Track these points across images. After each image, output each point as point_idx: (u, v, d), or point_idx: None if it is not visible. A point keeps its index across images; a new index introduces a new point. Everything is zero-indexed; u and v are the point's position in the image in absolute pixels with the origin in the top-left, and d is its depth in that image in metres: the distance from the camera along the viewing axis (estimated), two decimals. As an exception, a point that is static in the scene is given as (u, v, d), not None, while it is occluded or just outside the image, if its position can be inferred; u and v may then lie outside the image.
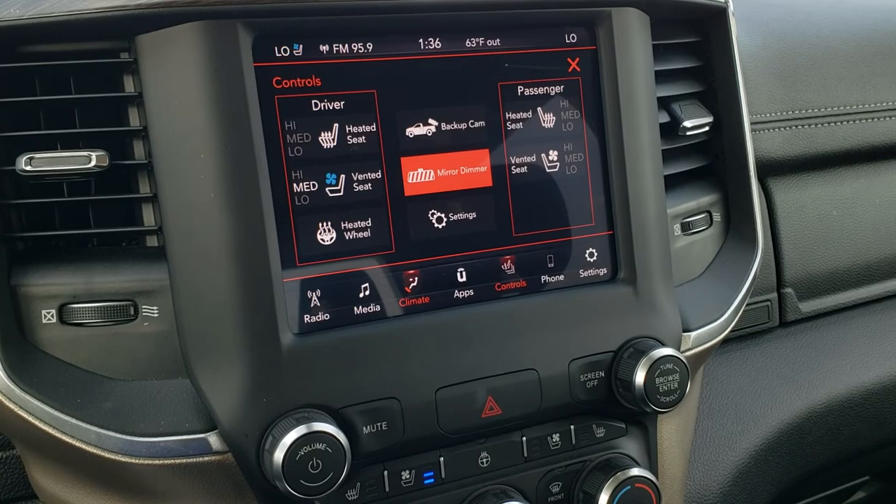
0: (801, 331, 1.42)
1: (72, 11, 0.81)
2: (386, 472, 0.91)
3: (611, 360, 0.98)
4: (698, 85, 1.19)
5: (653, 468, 1.05)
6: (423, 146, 0.92)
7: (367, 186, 0.90)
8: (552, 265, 0.98)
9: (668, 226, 1.05)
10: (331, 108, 0.88)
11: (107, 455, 0.84)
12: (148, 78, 0.84)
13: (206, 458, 0.85)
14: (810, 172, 1.43)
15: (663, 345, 0.98)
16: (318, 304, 0.88)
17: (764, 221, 1.34)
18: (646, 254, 1.00)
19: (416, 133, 0.91)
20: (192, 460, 0.85)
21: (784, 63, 1.41)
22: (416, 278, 0.92)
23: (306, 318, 0.88)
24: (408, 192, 0.92)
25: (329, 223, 0.89)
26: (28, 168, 0.84)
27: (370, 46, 0.89)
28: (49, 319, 0.86)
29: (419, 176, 0.92)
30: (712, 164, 1.22)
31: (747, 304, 1.19)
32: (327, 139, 0.88)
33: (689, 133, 1.14)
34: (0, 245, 0.86)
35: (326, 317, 0.89)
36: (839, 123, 1.43)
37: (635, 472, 0.98)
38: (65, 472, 0.93)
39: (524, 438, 0.97)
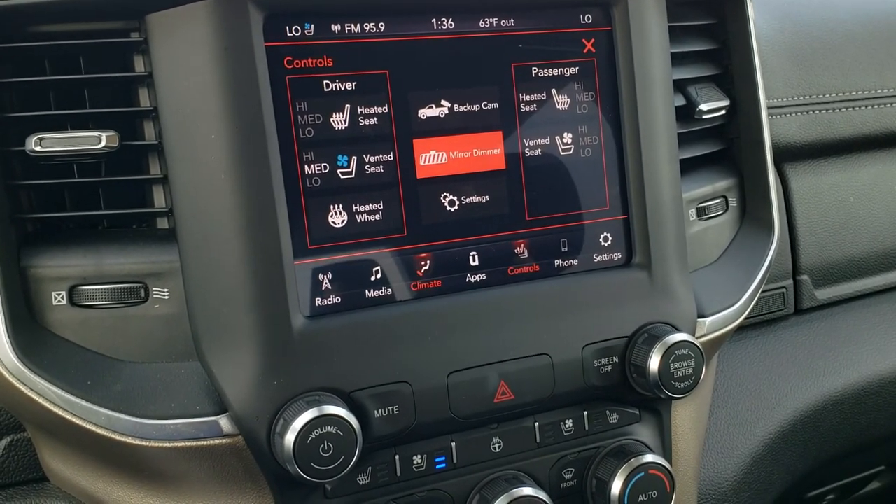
0: (817, 318, 1.41)
1: (82, -10, 0.81)
2: (397, 457, 0.91)
3: (625, 346, 0.97)
4: (714, 68, 1.17)
5: (667, 455, 1.05)
6: (436, 128, 0.91)
7: (379, 169, 0.89)
8: (566, 249, 0.97)
9: (683, 210, 1.04)
10: (342, 88, 0.87)
11: (117, 437, 0.83)
12: (158, 58, 0.83)
13: (217, 441, 0.85)
14: (827, 158, 1.41)
15: (678, 330, 0.97)
16: (330, 288, 0.88)
17: (780, 207, 1.33)
18: (661, 238, 0.99)
19: (428, 114, 0.90)
20: (202, 443, 0.84)
21: (801, 47, 1.40)
22: (428, 262, 0.92)
23: (317, 302, 0.87)
24: (420, 174, 0.91)
25: (340, 206, 0.88)
26: (38, 148, 0.83)
27: (382, 26, 0.88)
28: (59, 301, 0.86)
29: (431, 158, 0.91)
30: (728, 149, 1.20)
31: (762, 291, 1.18)
32: (339, 120, 0.87)
33: (705, 117, 1.12)
34: (10, 226, 0.85)
35: (338, 300, 0.88)
36: (857, 108, 1.41)
37: (649, 458, 0.97)
38: (75, 455, 0.93)
39: (537, 424, 0.97)
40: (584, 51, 0.97)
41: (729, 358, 1.32)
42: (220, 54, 0.81)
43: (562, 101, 0.96)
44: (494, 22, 0.92)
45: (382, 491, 0.91)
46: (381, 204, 0.89)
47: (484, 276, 0.94)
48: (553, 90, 0.95)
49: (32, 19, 0.84)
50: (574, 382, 0.95)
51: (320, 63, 0.86)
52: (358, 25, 0.87)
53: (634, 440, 1.02)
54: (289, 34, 0.84)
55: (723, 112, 1.15)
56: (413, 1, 0.88)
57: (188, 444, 0.84)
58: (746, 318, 1.12)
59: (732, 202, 1.19)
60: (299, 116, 0.85)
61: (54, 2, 0.81)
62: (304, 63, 0.85)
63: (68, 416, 0.83)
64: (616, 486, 0.96)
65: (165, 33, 0.83)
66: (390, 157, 0.89)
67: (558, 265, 0.97)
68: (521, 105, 0.94)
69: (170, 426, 0.84)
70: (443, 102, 0.91)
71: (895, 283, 1.47)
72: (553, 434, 0.97)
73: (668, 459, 1.04)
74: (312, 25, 0.85)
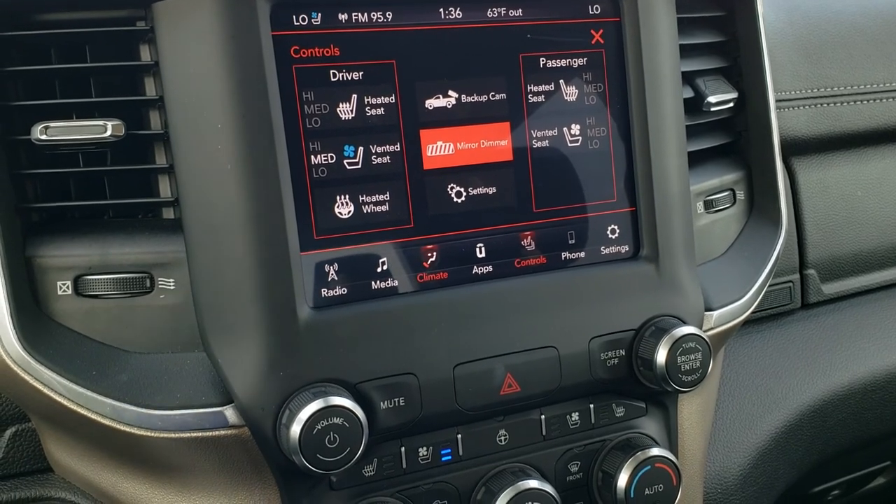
0: (824, 313, 1.40)
1: (88, -22, 0.80)
2: (403, 449, 0.91)
3: (632, 339, 0.97)
4: (723, 60, 1.16)
5: (673, 448, 1.04)
6: (443, 118, 0.90)
7: (386, 159, 0.89)
8: (573, 241, 0.97)
9: (691, 203, 1.03)
10: (349, 78, 0.86)
11: (122, 428, 0.83)
12: (164, 46, 0.83)
13: (223, 432, 0.84)
14: (835, 152, 1.41)
15: (685, 323, 0.97)
16: (336, 279, 0.87)
17: (787, 201, 1.32)
18: (668, 231, 0.98)
19: (435, 105, 0.90)
20: (207, 434, 0.84)
21: (810, 40, 1.39)
22: (435, 253, 0.91)
23: (323, 293, 0.87)
24: (427, 165, 0.90)
25: (347, 196, 0.87)
26: (43, 137, 0.83)
27: (390, 15, 0.87)
28: (64, 291, 0.86)
29: (438, 149, 0.91)
30: (736, 142, 1.20)
31: (769, 286, 1.17)
32: (345, 110, 0.87)
33: (713, 109, 1.12)
34: (15, 216, 0.85)
35: (344, 291, 0.87)
36: (865, 102, 1.40)
37: (655, 452, 0.97)
38: (80, 445, 0.92)
39: (543, 417, 0.96)
40: (593, 42, 0.96)
41: (735, 352, 1.31)
42: (227, 43, 0.81)
43: (570, 93, 0.95)
44: (502, 12, 0.91)
45: (388, 483, 0.91)
46: (388, 195, 0.89)
47: (490, 268, 0.93)
48: (561, 81, 0.95)
49: (38, 7, 0.84)
50: (580, 375, 0.95)
51: (327, 52, 0.85)
52: (365, 15, 0.86)
53: (641, 433, 1.01)
54: (296, 23, 0.84)
55: (731, 105, 1.14)
56: (421, -10, 0.88)
57: (193, 434, 0.84)
58: (753, 313, 1.11)
59: (740, 195, 1.18)
60: (306, 106, 0.85)
61: (60, -10, 0.81)
62: (311, 52, 0.85)
63: (73, 407, 0.83)
64: (622, 480, 0.96)
65: (172, 22, 0.82)
66: (397, 147, 0.89)
67: (565, 257, 0.96)
68: (529, 96, 0.93)
69: (175, 417, 0.83)
70: (450, 93, 0.90)
71: (902, 278, 1.47)
72: (559, 427, 0.97)
73: (675, 453, 1.04)
74: (319, 14, 0.85)
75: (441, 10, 0.89)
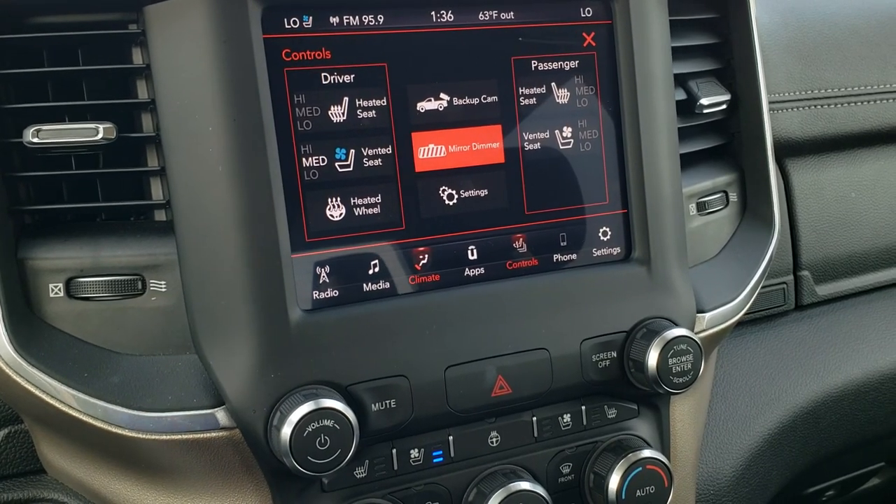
0: (818, 314, 1.40)
1: (79, -19, 0.80)
2: (394, 451, 0.91)
3: (623, 341, 0.97)
4: (716, 62, 1.17)
5: (665, 450, 1.04)
6: (435, 121, 0.90)
7: (377, 162, 0.89)
8: (565, 244, 0.97)
9: (683, 205, 1.03)
10: (341, 81, 0.86)
11: (113, 430, 0.83)
12: (156, 50, 0.83)
13: (214, 434, 0.85)
14: (829, 153, 1.41)
15: (677, 325, 0.97)
16: (328, 281, 0.87)
17: (781, 203, 1.32)
18: (660, 233, 0.99)
19: (427, 108, 0.90)
20: (199, 436, 0.84)
21: (804, 41, 1.39)
22: (427, 256, 0.91)
23: (315, 295, 0.87)
24: (418, 168, 0.90)
25: (338, 199, 0.87)
26: (35, 140, 0.83)
27: (381, 19, 0.87)
28: (56, 293, 0.86)
29: (430, 152, 0.91)
30: (729, 144, 1.20)
31: (763, 287, 1.17)
32: (337, 113, 0.87)
33: (705, 111, 1.12)
34: (7, 218, 0.85)
35: (335, 293, 0.88)
36: (860, 104, 1.40)
37: (647, 453, 0.97)
38: (72, 447, 0.93)
39: (534, 418, 0.96)
40: (585, 44, 0.96)
41: (728, 353, 1.31)
42: (218, 46, 0.81)
43: (561, 95, 0.96)
44: (494, 15, 0.92)
45: (379, 485, 0.91)
46: (380, 197, 0.89)
47: (482, 270, 0.93)
48: (553, 84, 0.95)
49: (31, 11, 0.84)
50: (572, 377, 0.95)
51: (318, 55, 0.85)
52: (356, 18, 0.87)
53: (632, 435, 1.01)
54: (287, 26, 0.84)
55: (724, 107, 1.14)
56: (412, -7, 0.88)
57: (185, 436, 0.84)
58: (746, 314, 1.11)
59: (733, 197, 1.18)
60: (297, 109, 0.85)
61: (52, -7, 0.81)
62: (303, 55, 0.85)
63: (65, 409, 0.83)
64: (613, 482, 0.96)
65: (163, 25, 0.82)
66: (389, 150, 0.89)
67: (557, 259, 0.97)
68: (521, 99, 0.94)
69: (167, 419, 0.84)
70: (442, 96, 0.91)
71: (896, 280, 1.47)
72: (551, 428, 0.97)
73: (667, 455, 1.04)
74: (311, 18, 0.85)
75: (432, 13, 0.89)
